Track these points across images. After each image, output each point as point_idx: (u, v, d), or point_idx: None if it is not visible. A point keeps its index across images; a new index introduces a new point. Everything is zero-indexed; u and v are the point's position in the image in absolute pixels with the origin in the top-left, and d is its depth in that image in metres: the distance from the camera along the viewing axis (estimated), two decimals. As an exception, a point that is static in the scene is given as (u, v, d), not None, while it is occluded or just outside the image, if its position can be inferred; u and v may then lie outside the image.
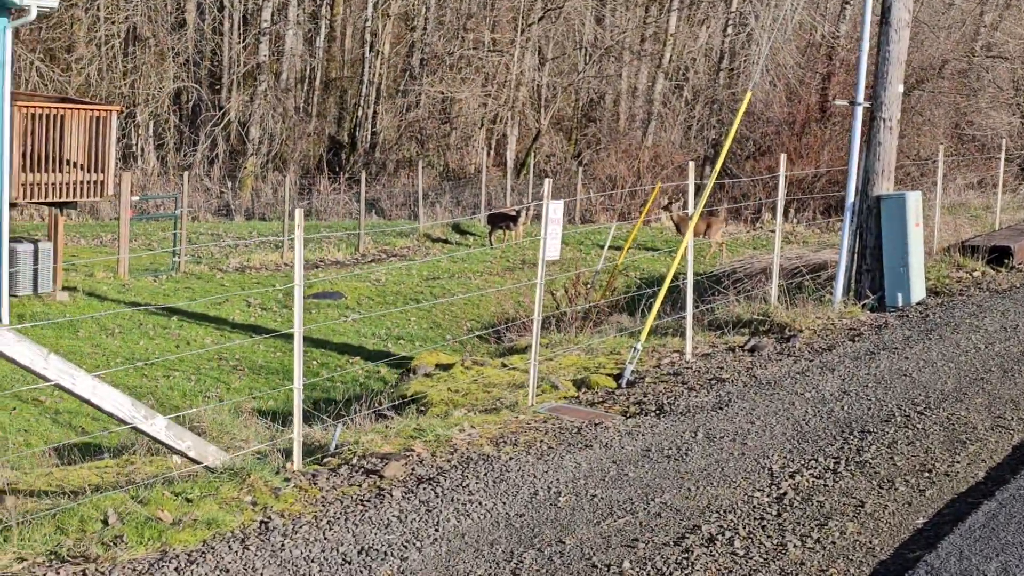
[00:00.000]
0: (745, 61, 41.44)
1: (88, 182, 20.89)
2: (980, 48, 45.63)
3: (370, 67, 40.85)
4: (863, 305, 14.47)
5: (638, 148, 40.01)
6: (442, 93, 38.55)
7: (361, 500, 6.84)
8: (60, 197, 20.68)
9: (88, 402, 6.24)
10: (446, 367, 12.36)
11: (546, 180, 9.78)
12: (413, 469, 7.44)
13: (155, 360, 16.40)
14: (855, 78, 15.31)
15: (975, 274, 16.67)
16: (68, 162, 20.68)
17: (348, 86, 42.38)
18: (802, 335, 12.51)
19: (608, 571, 5.90)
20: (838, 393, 9.67)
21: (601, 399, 9.95)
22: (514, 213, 30.12)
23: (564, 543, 6.28)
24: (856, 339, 12.20)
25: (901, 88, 15.02)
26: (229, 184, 36.78)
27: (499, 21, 40.18)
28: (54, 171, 20.40)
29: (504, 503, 6.87)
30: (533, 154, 39.67)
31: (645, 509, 6.81)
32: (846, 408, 9.20)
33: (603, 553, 6.13)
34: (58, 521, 6.19)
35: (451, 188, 37.63)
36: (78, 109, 20.97)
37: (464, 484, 7.16)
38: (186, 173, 28.79)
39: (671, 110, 41.64)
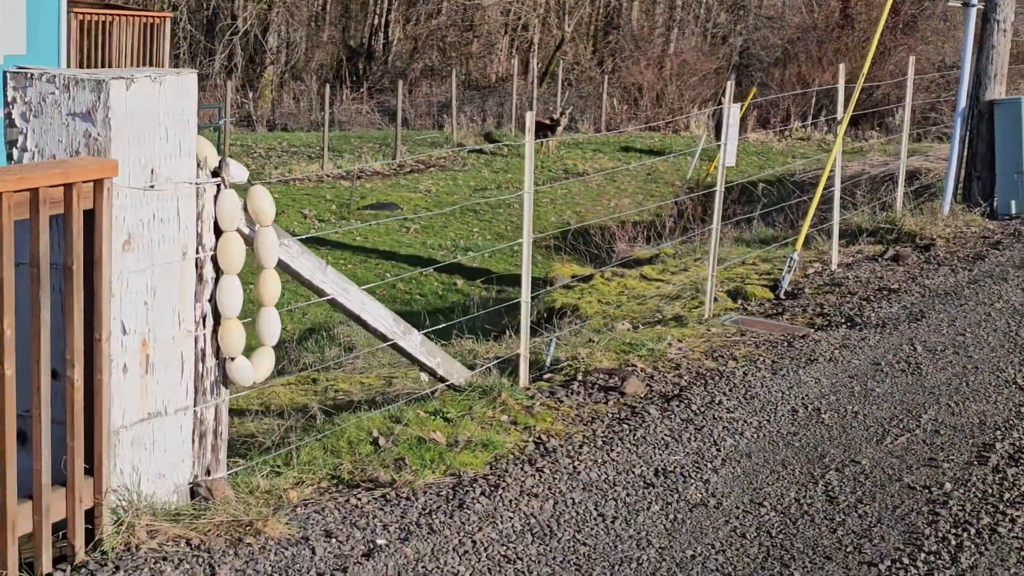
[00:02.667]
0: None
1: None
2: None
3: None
4: (977, 212, 14.13)
5: (661, 56, 39.42)
6: (466, 1, 37.75)
7: (619, 419, 6.48)
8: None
9: (356, 317, 5.84)
10: (585, 279, 11.97)
11: (728, 83, 9.33)
12: (650, 386, 7.08)
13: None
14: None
15: (1073, 180, 16.31)
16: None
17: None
18: (938, 244, 12.15)
19: (931, 492, 5.56)
20: (1028, 303, 9.34)
21: (774, 311, 9.59)
22: (551, 121, 29.54)
23: (859, 463, 5.94)
24: (999, 247, 11.85)
25: (1016, -12, 14.55)
26: (249, 94, 36.05)
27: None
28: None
29: (769, 421, 6.52)
30: (558, 62, 38.99)
31: (919, 427, 6.48)
32: (1047, 318, 8.87)
33: (910, 473, 5.80)
34: (324, 443, 5.82)
35: (476, 97, 37.00)
36: (130, 15, 20.33)
37: (716, 401, 6.80)
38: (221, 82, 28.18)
39: (694, 17, 40.96)
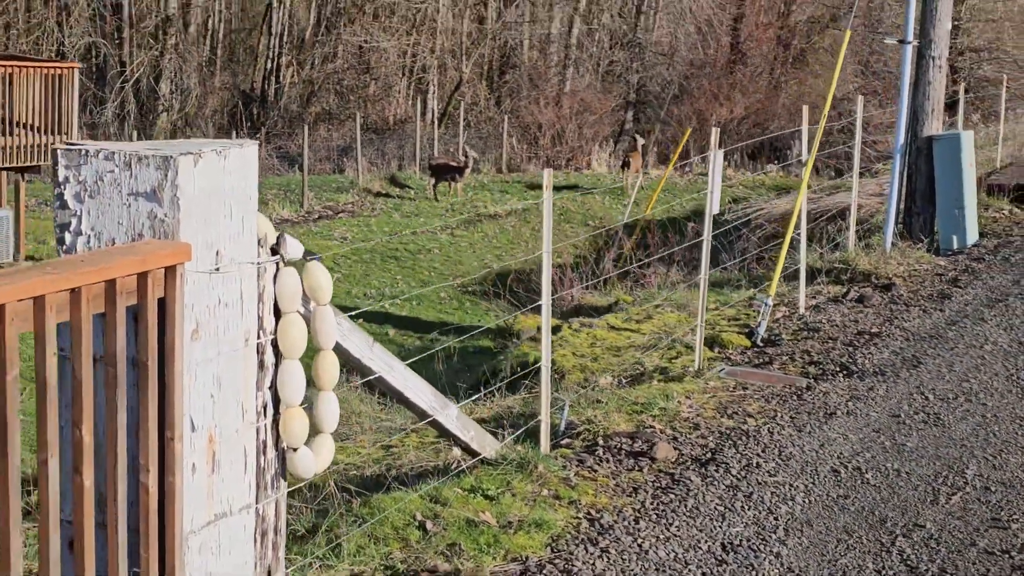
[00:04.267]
0: (664, 3, 41.06)
1: (50, 145, 19.61)
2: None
3: (281, 18, 39.52)
4: (920, 248, 14.16)
5: (559, 94, 39.43)
6: (363, 44, 37.42)
7: (662, 488, 6.21)
8: (17, 162, 19.39)
9: (398, 395, 5.50)
10: (553, 330, 11.67)
11: (713, 130, 9.15)
12: (679, 449, 6.83)
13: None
14: (903, 17, 14.91)
15: (1003, 213, 16.50)
16: (24, 124, 19.40)
17: (261, 38, 40.97)
18: (897, 284, 12.10)
19: (1012, 558, 5.37)
20: (1016, 344, 9.27)
21: (760, 359, 9.41)
22: (459, 164, 29.27)
23: (924, 527, 5.74)
24: (959, 285, 11.83)
25: (949, 25, 14.66)
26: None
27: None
28: (7, 134, 19.11)
29: (814, 484, 6.30)
30: (457, 103, 38.80)
31: (967, 483, 6.30)
32: (1042, 359, 8.80)
33: (981, 537, 5.60)
34: (369, 529, 5.46)
35: (376, 140, 36.62)
36: (34, 66, 19.66)
37: (753, 464, 6.57)
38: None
39: (589, 55, 41.09)
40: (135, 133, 35.21)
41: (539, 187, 31.14)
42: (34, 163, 19.52)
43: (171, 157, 4.08)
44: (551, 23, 40.97)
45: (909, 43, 14.55)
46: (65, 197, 4.19)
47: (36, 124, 19.41)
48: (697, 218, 21.48)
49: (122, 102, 36.31)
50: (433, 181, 29.19)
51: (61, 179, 4.19)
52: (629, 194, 29.10)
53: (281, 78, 39.70)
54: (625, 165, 31.18)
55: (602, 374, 9.57)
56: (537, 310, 14.95)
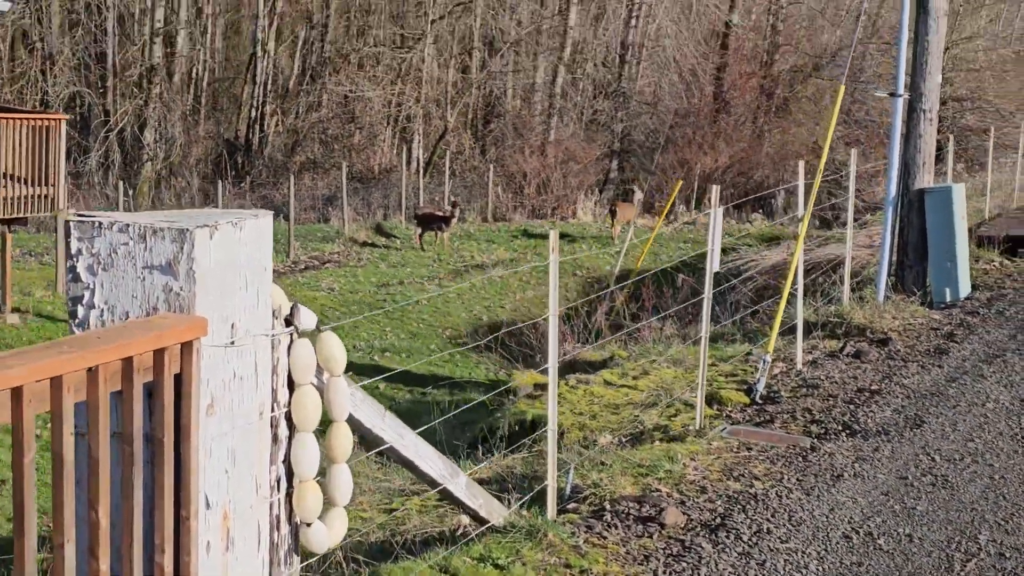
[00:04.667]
0: (648, 53, 41.22)
1: (36, 196, 19.52)
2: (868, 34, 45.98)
3: (266, 67, 39.56)
4: (913, 301, 14.13)
5: (543, 143, 39.50)
6: (348, 93, 37.45)
7: (674, 556, 6.12)
8: (3, 214, 19.27)
9: (408, 463, 5.41)
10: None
11: (713, 187, 9.10)
12: (687, 514, 6.74)
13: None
14: (894, 69, 14.96)
15: (993, 264, 16.50)
16: (10, 176, 19.30)
17: (245, 87, 40.99)
18: (893, 338, 12.06)
19: (1033, 628, 5.29)
20: (1018, 402, 9.22)
21: (761, 418, 9.34)
22: (446, 213, 29.27)
23: (942, 596, 5.65)
24: (955, 340, 11.79)
25: (940, 78, 14.71)
26: (131, 192, 35.18)
27: (404, 15, 39.28)
28: (-5, 186, 19.03)
29: (827, 551, 6.22)
30: (442, 152, 38.84)
31: (981, 549, 6.22)
32: (1045, 418, 8.75)
33: (1000, 606, 5.53)
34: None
35: (361, 189, 36.60)
36: (21, 118, 19.59)
37: (764, 529, 6.48)
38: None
39: (573, 105, 41.20)
40: (120, 183, 35.12)
41: (526, 236, 31.17)
42: (20, 215, 19.41)
43: (187, 230, 4.00)
44: (535, 72, 41.10)
45: (900, 96, 14.59)
46: (78, 269, 4.10)
47: (22, 176, 19.31)
48: (687, 269, 21.48)
49: (106, 151, 36.25)
50: (419, 231, 29.17)
51: (74, 251, 4.10)
52: (616, 244, 29.13)
53: (266, 127, 39.70)
54: (612, 214, 31.23)
55: (602, 432, 9.49)
56: (532, 364, 14.87)
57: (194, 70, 40.72)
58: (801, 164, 11.21)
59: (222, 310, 4.12)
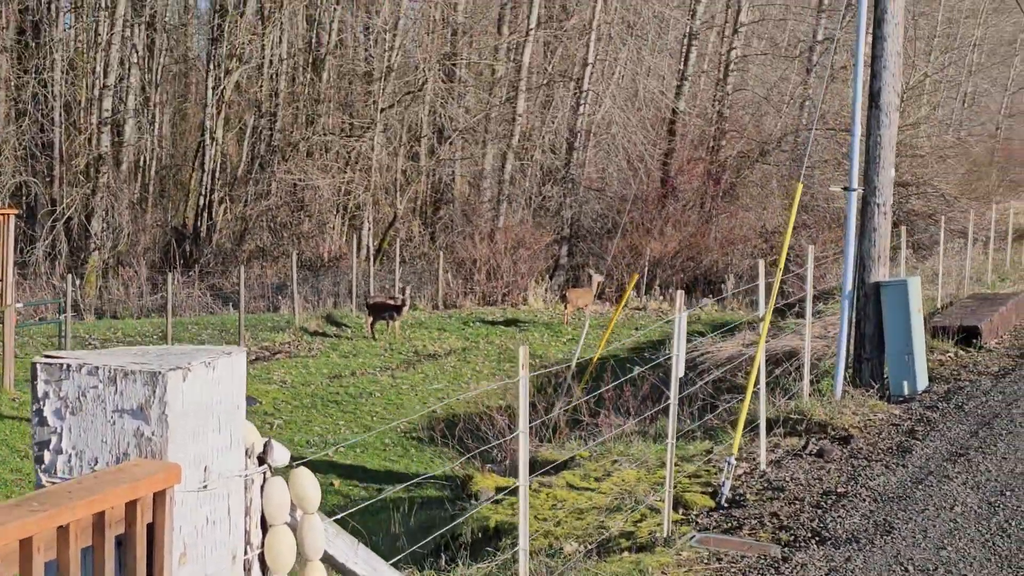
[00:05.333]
0: (596, 139, 41.47)
1: (-18, 291, 19.24)
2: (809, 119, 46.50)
3: (214, 154, 39.45)
4: (871, 395, 14.13)
5: (493, 230, 39.51)
6: (298, 181, 37.37)
7: None
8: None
9: (381, 596, 5.24)
10: (512, 491, 11.42)
11: (677, 293, 9.04)
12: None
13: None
14: (848, 165, 15.07)
15: (948, 355, 16.56)
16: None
17: (193, 175, 40.84)
18: (856, 435, 12.01)
19: None
20: (986, 505, 9.16)
21: (728, 523, 9.23)
22: (397, 302, 29.08)
23: None
24: (916, 437, 11.77)
25: (893, 172, 14.82)
26: (78, 282, 34.79)
27: (353, 104, 39.36)
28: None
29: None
30: (391, 239, 38.77)
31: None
32: (1014, 523, 8.68)
33: None
34: None
35: (310, 277, 36.38)
36: (-32, 213, 19.34)
37: (742, 651, 6.34)
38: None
39: (522, 191, 41.31)
40: (68, 274, 34.75)
41: (477, 322, 31.05)
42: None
43: (159, 373, 3.87)
44: (484, 159, 41.23)
45: (854, 191, 14.68)
46: (44, 413, 3.95)
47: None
48: (642, 360, 21.43)
49: (53, 241, 35.88)
50: (371, 320, 28.96)
51: (40, 394, 3.96)
52: (568, 331, 29.11)
53: (214, 215, 39.50)
54: (563, 300, 31.22)
55: (567, 540, 9.35)
56: (488, 459, 14.69)
57: (142, 158, 40.53)
58: (761, 264, 11.20)
59: (195, 453, 3.98)
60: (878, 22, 14.59)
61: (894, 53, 14.53)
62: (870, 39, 14.70)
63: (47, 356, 4.05)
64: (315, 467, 16.37)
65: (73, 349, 26.24)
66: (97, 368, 3.90)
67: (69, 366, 3.93)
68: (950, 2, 56.64)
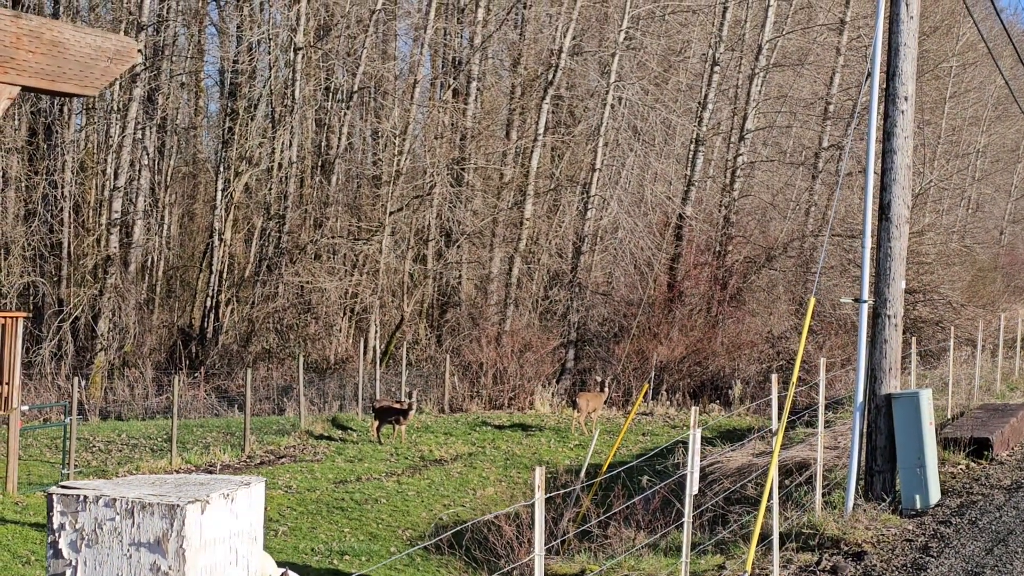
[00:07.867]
0: (602, 243, 41.62)
1: (-11, 395, 19.17)
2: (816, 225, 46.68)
3: (222, 256, 39.59)
4: (883, 508, 13.99)
5: (499, 333, 39.49)
6: (305, 284, 37.45)
7: None
8: (-47, 411, 18.88)
9: None
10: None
11: (692, 409, 8.98)
12: None
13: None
14: (854, 271, 15.07)
15: (960, 467, 16.42)
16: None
17: (200, 275, 40.95)
18: (869, 551, 11.87)
19: None
20: (1005, 627, 9.01)
21: (743, 644, 9.07)
22: (403, 406, 28.99)
23: None
24: (930, 554, 11.62)
25: (903, 284, 14.81)
26: (83, 383, 34.72)
27: (361, 207, 39.58)
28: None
29: None
30: (398, 342, 38.76)
31: None
32: (1035, 647, 8.53)
33: None
34: None
35: (316, 379, 36.29)
36: (-23, 316, 19.35)
37: None
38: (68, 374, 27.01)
39: (529, 294, 41.37)
40: (75, 376, 34.69)
41: (484, 426, 30.89)
42: (-28, 414, 19.03)
43: (177, 506, 3.81)
44: (491, 262, 41.33)
45: (865, 302, 14.66)
46: (59, 545, 3.90)
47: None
48: (648, 468, 21.27)
49: (59, 341, 35.88)
50: (377, 424, 28.86)
51: (56, 526, 3.90)
52: (576, 437, 28.98)
53: (221, 316, 39.51)
54: (574, 405, 31.13)
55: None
56: (495, 568, 14.51)
57: (150, 258, 40.67)
58: (775, 378, 11.13)
59: (212, 588, 3.91)
60: (887, 135, 14.67)
61: (903, 166, 14.59)
62: (878, 147, 14.74)
63: (63, 487, 4.00)
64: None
65: (77, 452, 26.08)
66: (115, 500, 3.84)
67: (86, 497, 3.88)
68: (953, 110, 57.22)
